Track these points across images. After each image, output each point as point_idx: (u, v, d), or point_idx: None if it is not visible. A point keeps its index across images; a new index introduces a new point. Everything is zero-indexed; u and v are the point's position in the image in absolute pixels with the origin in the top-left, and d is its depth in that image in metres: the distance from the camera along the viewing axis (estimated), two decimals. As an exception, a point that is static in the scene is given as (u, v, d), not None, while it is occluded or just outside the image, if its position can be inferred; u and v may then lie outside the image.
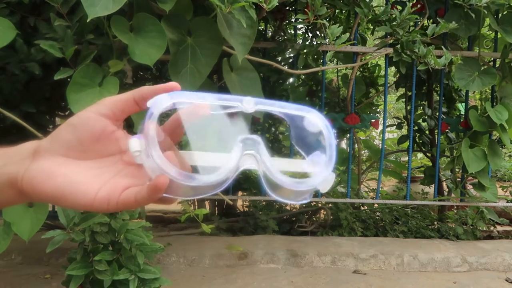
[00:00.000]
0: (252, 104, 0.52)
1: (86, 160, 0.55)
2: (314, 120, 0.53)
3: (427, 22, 4.04)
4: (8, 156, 0.56)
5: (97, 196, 0.52)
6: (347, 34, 2.74)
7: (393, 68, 5.09)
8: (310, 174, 0.52)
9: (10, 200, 0.56)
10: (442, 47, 3.21)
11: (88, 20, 2.01)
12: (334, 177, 0.52)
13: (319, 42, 3.68)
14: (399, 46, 3.08)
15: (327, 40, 3.49)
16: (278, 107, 0.53)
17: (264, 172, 0.52)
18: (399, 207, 4.42)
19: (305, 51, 3.83)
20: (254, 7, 2.29)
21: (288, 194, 0.53)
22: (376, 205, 4.62)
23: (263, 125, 4.46)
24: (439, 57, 3.01)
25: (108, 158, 0.56)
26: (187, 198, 0.52)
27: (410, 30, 3.38)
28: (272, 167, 0.51)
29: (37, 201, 0.56)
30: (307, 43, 4.05)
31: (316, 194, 4.20)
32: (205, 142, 0.53)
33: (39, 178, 0.52)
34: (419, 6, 3.68)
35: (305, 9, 2.72)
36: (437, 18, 3.59)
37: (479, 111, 3.92)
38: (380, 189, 4.51)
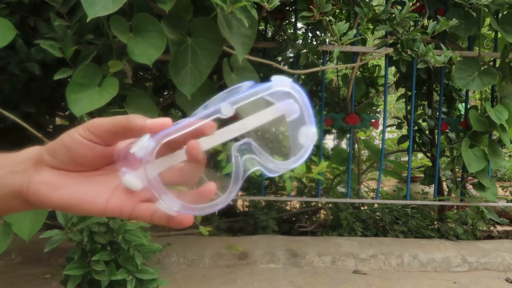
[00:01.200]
0: (230, 108, 0.52)
1: (87, 171, 0.55)
2: (282, 88, 0.53)
3: (427, 22, 4.03)
4: (9, 165, 0.55)
5: (109, 206, 0.53)
6: (354, 31, 2.73)
7: (393, 68, 5.08)
8: (297, 143, 0.53)
9: (17, 208, 0.57)
10: (441, 44, 3.20)
11: (87, 20, 2.01)
12: (315, 132, 0.53)
13: (319, 42, 3.68)
14: (399, 45, 3.08)
15: (327, 40, 3.50)
16: (251, 96, 0.53)
17: (264, 165, 0.53)
18: (399, 207, 4.42)
19: (304, 50, 3.82)
20: (255, 6, 2.29)
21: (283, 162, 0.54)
22: (376, 205, 4.62)
23: (262, 124, 4.45)
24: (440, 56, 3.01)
25: (110, 166, 0.56)
26: (202, 213, 0.54)
27: (410, 30, 3.37)
28: (269, 159, 0.53)
29: (45, 209, 0.56)
30: (308, 41, 4.05)
31: (316, 194, 4.20)
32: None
33: (44, 189, 0.53)
34: (418, 5, 3.67)
35: (310, 7, 2.72)
36: (437, 17, 3.59)
37: (479, 111, 3.91)
38: (380, 189, 4.50)
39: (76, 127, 0.53)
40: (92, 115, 2.19)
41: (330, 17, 2.70)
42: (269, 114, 0.54)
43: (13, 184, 0.54)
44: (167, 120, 0.52)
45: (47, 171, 0.53)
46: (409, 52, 3.10)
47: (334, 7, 2.80)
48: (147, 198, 0.53)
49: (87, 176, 0.54)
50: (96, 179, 0.54)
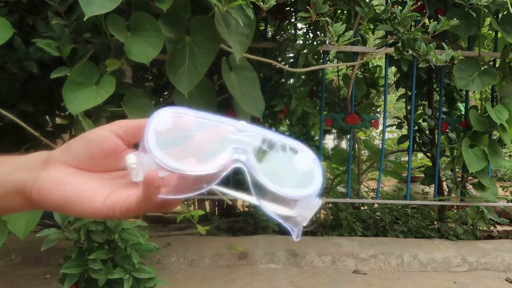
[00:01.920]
0: (246, 127, 0.54)
1: (95, 172, 0.56)
2: (305, 158, 0.56)
3: (427, 21, 4.03)
4: (18, 164, 0.57)
5: (104, 204, 0.53)
6: (350, 32, 2.72)
7: (393, 68, 5.08)
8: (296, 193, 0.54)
9: (18, 207, 0.57)
10: (443, 43, 3.20)
11: (85, 19, 2.01)
12: (319, 203, 0.55)
13: (319, 42, 3.68)
14: (400, 44, 3.07)
15: (327, 40, 3.50)
16: (272, 135, 0.55)
17: (253, 178, 0.53)
18: (399, 207, 4.42)
19: (305, 51, 3.82)
20: (251, 6, 2.29)
21: (274, 207, 0.55)
22: (376, 205, 4.61)
23: (262, 124, 4.45)
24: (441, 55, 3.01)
25: (117, 172, 0.57)
26: (181, 197, 0.53)
27: (410, 30, 3.37)
28: (259, 172, 0.53)
29: (45, 209, 0.57)
30: (308, 42, 4.05)
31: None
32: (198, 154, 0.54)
33: (48, 186, 0.53)
34: (419, 4, 3.67)
35: (307, 7, 2.71)
36: (438, 17, 3.59)
37: (479, 111, 3.91)
38: (380, 189, 4.50)
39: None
40: (88, 113, 2.19)
41: (327, 18, 2.69)
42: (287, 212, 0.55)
43: (18, 180, 0.55)
44: None
45: (55, 168, 0.54)
46: (410, 52, 3.10)
47: (331, 7, 2.79)
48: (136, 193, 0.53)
49: (93, 177, 0.55)
50: (98, 182, 0.55)
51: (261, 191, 0.53)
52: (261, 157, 0.54)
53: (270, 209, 0.54)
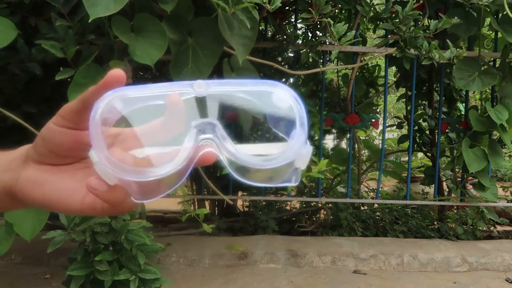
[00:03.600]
0: (204, 87, 0.47)
1: (69, 164, 0.54)
2: (282, 94, 0.49)
3: (428, 21, 4.04)
4: (3, 163, 0.56)
5: (84, 202, 0.52)
6: (353, 32, 2.72)
7: (393, 68, 5.08)
8: (281, 150, 0.48)
9: (8, 206, 0.57)
10: (447, 41, 3.20)
11: (89, 21, 2.01)
12: (310, 150, 0.48)
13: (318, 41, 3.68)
14: (402, 42, 3.08)
15: (327, 41, 3.50)
16: (237, 86, 0.48)
17: (228, 157, 0.48)
18: (399, 207, 4.42)
19: (304, 50, 3.82)
20: (257, 8, 2.29)
21: (262, 176, 0.49)
22: (376, 205, 4.62)
23: (263, 125, 4.45)
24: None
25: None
26: (157, 198, 0.48)
27: (411, 29, 3.38)
28: (235, 150, 0.47)
29: (32, 207, 0.56)
30: (309, 39, 4.05)
31: (316, 194, 4.20)
32: (156, 136, 0.49)
33: (27, 187, 0.53)
34: (420, 3, 3.67)
35: (309, 8, 2.71)
36: (439, 15, 3.59)
37: (479, 111, 3.91)
38: (380, 189, 4.50)
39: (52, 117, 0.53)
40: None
41: (329, 19, 2.69)
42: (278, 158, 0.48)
43: (4, 181, 0.54)
44: (117, 70, 0.49)
45: (32, 167, 0.53)
46: (412, 51, 3.10)
47: (334, 8, 2.79)
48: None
49: (68, 171, 0.54)
50: (76, 174, 0.54)
51: (243, 169, 0.48)
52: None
53: (260, 181, 0.49)
